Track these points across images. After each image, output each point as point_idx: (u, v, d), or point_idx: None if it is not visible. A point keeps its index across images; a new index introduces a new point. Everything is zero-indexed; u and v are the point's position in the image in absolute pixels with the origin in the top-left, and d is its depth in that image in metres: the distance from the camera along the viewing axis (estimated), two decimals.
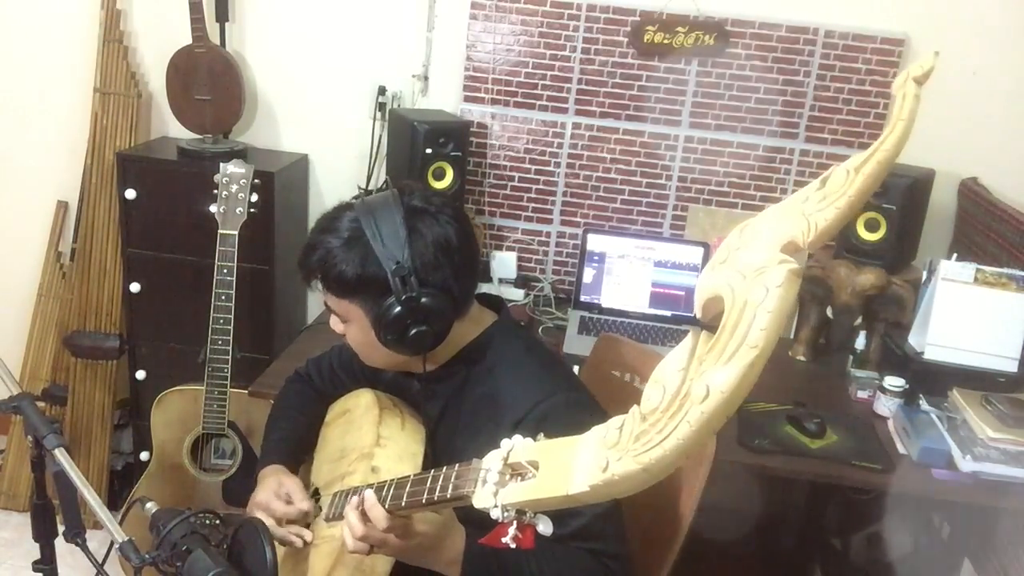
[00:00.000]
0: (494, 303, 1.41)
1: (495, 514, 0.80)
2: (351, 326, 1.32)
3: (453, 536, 1.16)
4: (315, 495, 1.43)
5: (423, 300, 1.23)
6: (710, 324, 0.68)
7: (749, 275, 0.65)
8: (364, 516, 1.09)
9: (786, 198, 0.71)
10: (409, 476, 1.06)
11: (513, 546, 0.81)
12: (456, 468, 0.94)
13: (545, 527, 0.81)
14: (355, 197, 1.39)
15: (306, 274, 1.31)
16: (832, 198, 0.66)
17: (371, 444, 1.31)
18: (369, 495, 1.08)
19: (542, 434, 0.83)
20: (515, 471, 0.81)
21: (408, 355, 1.30)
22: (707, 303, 0.70)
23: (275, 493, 1.38)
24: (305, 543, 1.36)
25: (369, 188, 2.58)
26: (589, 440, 0.73)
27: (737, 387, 0.62)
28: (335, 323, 1.36)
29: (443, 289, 1.25)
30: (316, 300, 2.73)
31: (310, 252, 1.29)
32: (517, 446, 0.82)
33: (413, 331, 1.24)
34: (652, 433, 0.66)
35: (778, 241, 0.66)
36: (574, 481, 0.72)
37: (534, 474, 0.78)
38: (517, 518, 0.80)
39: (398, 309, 1.23)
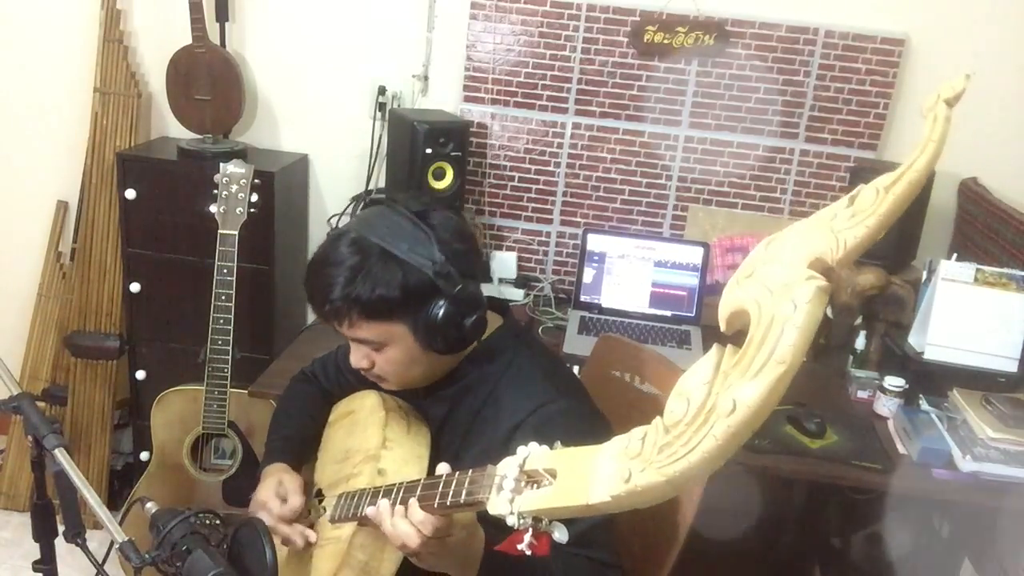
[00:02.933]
0: (498, 307, 1.41)
1: (511, 521, 0.80)
2: (390, 350, 1.27)
3: (480, 536, 1.13)
4: (318, 495, 1.43)
5: (468, 289, 1.23)
6: (734, 338, 0.67)
7: (776, 290, 0.65)
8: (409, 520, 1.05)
9: (813, 213, 0.71)
10: (419, 480, 1.06)
11: (528, 553, 0.81)
12: (470, 473, 0.93)
13: (560, 535, 0.81)
14: (331, 221, 1.37)
15: (338, 315, 1.23)
16: (861, 216, 0.66)
17: (377, 446, 1.30)
18: (413, 503, 1.05)
19: (559, 442, 0.82)
20: (531, 478, 0.81)
21: (458, 351, 1.29)
22: (731, 316, 0.70)
23: (275, 492, 1.38)
24: (309, 544, 1.35)
25: (359, 195, 2.58)
26: (609, 450, 0.73)
27: (764, 402, 0.62)
28: (360, 358, 1.30)
29: (474, 275, 1.27)
30: None
31: (330, 290, 1.21)
32: (533, 453, 0.82)
33: (468, 322, 1.24)
34: (677, 445, 0.66)
35: (806, 257, 0.66)
36: (594, 490, 0.71)
37: (551, 482, 0.78)
38: (533, 525, 0.80)
39: (448, 308, 1.22)
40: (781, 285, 0.65)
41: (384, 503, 1.09)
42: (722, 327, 0.71)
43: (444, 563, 1.11)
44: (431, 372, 1.33)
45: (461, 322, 1.24)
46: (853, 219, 0.66)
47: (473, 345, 1.33)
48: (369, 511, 1.13)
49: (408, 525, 1.04)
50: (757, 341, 0.64)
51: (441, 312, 1.22)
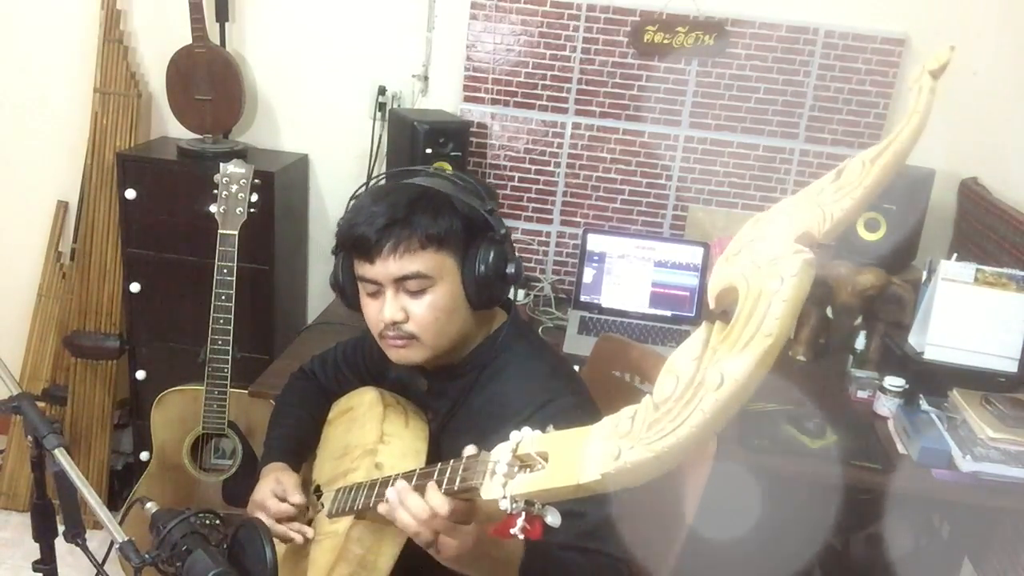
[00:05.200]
0: (504, 303, 1.41)
1: (504, 505, 0.80)
2: (435, 290, 1.25)
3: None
4: (317, 492, 1.43)
5: (509, 235, 1.29)
6: (723, 315, 0.68)
7: (764, 265, 0.65)
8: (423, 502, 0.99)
9: (797, 192, 0.71)
10: (415, 469, 1.06)
11: (521, 537, 0.81)
12: (464, 460, 0.93)
13: (553, 519, 0.82)
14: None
15: (397, 239, 1.22)
16: (847, 189, 0.67)
17: (375, 441, 1.31)
18: (431, 487, 0.98)
19: (551, 426, 0.82)
20: (524, 463, 0.81)
21: (495, 302, 1.32)
22: (720, 294, 0.70)
23: (272, 491, 1.38)
24: (307, 539, 1.36)
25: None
26: (600, 430, 0.73)
27: (751, 375, 0.62)
28: (396, 310, 1.25)
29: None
30: (316, 300, 2.73)
31: (394, 211, 1.22)
32: (526, 438, 0.82)
33: (511, 268, 1.27)
34: (665, 422, 0.66)
35: (793, 232, 0.67)
36: (585, 470, 0.72)
37: (543, 465, 0.78)
38: (526, 509, 0.80)
39: (497, 248, 1.26)
40: (768, 260, 0.65)
41: (402, 483, 1.03)
42: (711, 304, 0.71)
43: (465, 556, 1.04)
44: (459, 336, 1.31)
45: (504, 268, 1.27)
46: (840, 192, 0.67)
47: (482, 336, 1.34)
48: (388, 493, 1.06)
49: (423, 507, 0.99)
50: (745, 315, 0.64)
51: (492, 251, 1.26)
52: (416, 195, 1.25)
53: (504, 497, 0.80)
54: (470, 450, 0.95)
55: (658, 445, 0.66)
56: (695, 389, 0.65)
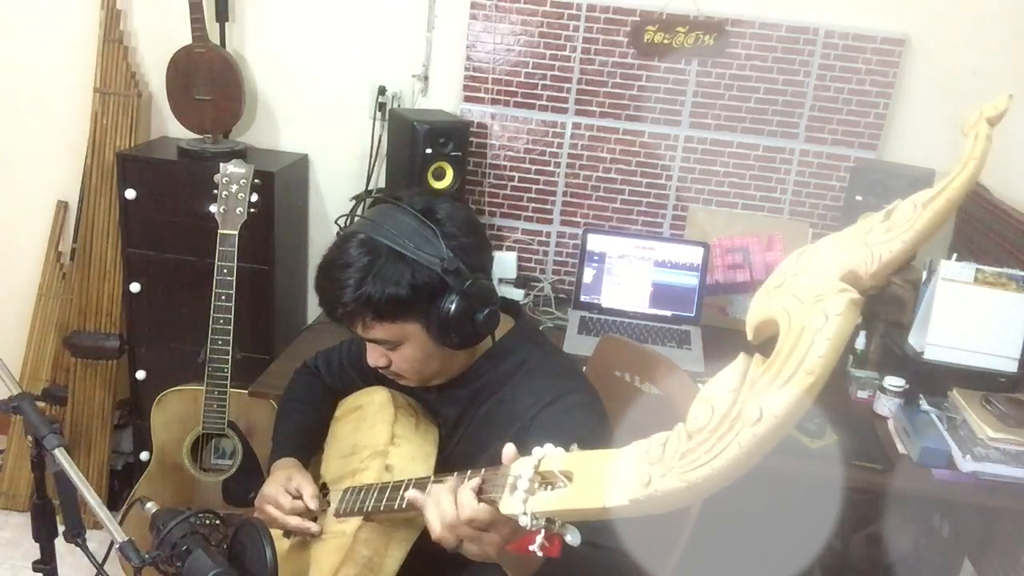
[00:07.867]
0: (511, 308, 1.40)
1: (523, 521, 0.80)
2: (405, 347, 1.27)
3: None
4: (323, 489, 1.43)
5: (478, 283, 1.23)
6: (759, 348, 0.67)
7: (807, 301, 0.65)
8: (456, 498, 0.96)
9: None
10: (429, 477, 1.05)
11: (540, 554, 0.80)
12: (483, 472, 0.92)
13: (573, 537, 0.81)
14: (338, 222, 1.36)
15: (351, 318, 1.24)
16: (898, 231, 0.66)
17: (385, 442, 1.30)
18: (465, 487, 0.95)
19: (575, 444, 0.82)
20: (545, 480, 0.81)
21: (473, 345, 1.29)
22: (760, 325, 0.69)
23: (284, 487, 1.38)
24: (312, 536, 1.36)
25: (360, 195, 2.58)
26: (628, 454, 0.73)
27: (791, 412, 0.61)
28: (377, 357, 1.31)
29: (483, 268, 1.28)
30: (316, 300, 2.72)
31: (342, 294, 1.22)
32: (549, 455, 0.81)
33: (480, 316, 1.24)
34: (699, 452, 0.65)
35: (839, 269, 0.66)
36: (611, 494, 0.71)
37: (566, 484, 0.78)
38: (546, 527, 0.79)
39: (459, 302, 1.21)
40: (812, 296, 0.65)
41: (437, 488, 1.00)
42: (749, 336, 0.71)
43: (499, 558, 1.03)
44: (448, 367, 1.33)
45: (473, 317, 1.24)
46: (889, 233, 0.66)
47: (488, 343, 1.33)
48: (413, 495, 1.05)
49: (452, 505, 0.96)
50: (786, 351, 0.63)
51: (452, 308, 1.22)
52: (365, 267, 1.21)
53: (524, 513, 0.79)
54: (509, 449, 0.91)
55: (691, 476, 0.65)
56: (731, 422, 0.64)
